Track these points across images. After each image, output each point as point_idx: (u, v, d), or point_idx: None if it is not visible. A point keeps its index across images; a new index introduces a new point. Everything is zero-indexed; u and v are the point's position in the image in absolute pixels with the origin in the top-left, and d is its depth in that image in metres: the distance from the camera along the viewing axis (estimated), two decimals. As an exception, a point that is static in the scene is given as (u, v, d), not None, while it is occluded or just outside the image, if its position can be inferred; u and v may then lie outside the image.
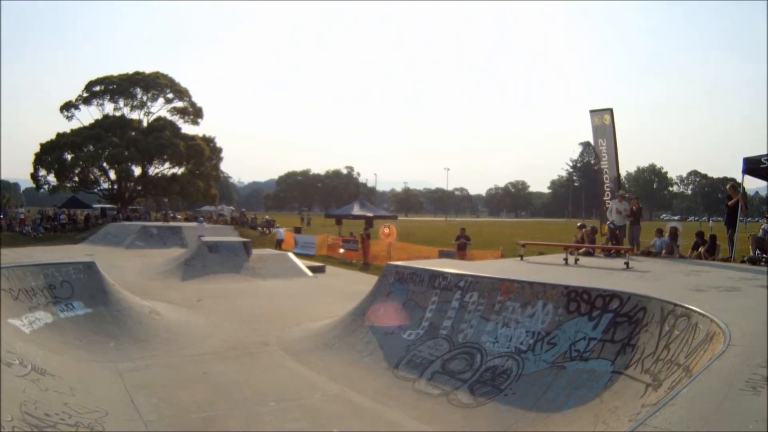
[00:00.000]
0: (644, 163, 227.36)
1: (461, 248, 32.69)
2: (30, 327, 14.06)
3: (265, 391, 12.12)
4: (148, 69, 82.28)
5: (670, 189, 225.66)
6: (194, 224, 53.09)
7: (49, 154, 72.69)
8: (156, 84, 79.86)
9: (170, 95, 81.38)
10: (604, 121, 25.81)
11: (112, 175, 77.21)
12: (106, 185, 79.36)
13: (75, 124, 77.31)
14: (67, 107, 77.89)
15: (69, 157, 73.41)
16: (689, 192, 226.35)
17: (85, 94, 78.36)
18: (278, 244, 49.40)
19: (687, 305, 9.38)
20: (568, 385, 10.13)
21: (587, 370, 10.21)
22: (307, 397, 11.84)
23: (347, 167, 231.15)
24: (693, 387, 5.84)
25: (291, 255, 34.89)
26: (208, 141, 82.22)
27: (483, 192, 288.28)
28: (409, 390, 12.12)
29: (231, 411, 10.88)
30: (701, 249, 20.75)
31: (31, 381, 10.29)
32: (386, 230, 41.57)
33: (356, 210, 59.31)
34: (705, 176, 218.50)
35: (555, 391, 10.21)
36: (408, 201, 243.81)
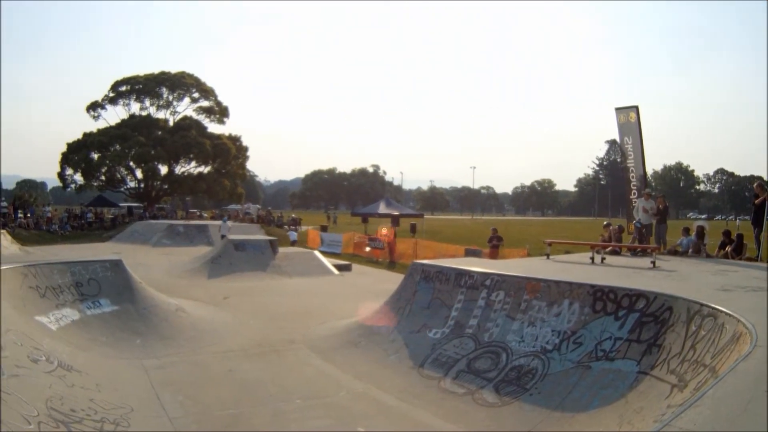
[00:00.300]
0: (671, 161, 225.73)
1: (494, 248, 32.55)
2: (57, 324, 14.19)
3: (291, 389, 12.16)
4: (156, 68, 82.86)
5: (697, 187, 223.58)
6: (219, 223, 53.22)
7: (76, 154, 73.22)
8: (182, 83, 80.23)
9: (196, 95, 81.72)
10: (629, 118, 25.66)
11: (139, 174, 77.73)
12: (132, 184, 79.87)
13: (101, 124, 77.95)
14: (94, 107, 78.40)
15: (96, 156, 73.93)
16: (716, 190, 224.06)
17: (111, 94, 78.88)
18: (292, 245, 49.24)
19: (713, 305, 9.31)
20: (594, 385, 10.09)
21: (613, 370, 10.17)
22: (332, 395, 11.88)
23: (373, 166, 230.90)
24: (719, 388, 5.81)
25: (317, 253, 34.92)
26: (234, 140, 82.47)
27: (509, 190, 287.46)
28: (434, 389, 12.12)
29: (256, 408, 10.92)
30: (728, 248, 20.58)
31: (58, 377, 10.38)
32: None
33: (382, 208, 59.16)
34: (732, 174, 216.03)
35: (580, 391, 10.18)
36: (434, 199, 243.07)
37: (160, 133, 76.60)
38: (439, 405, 11.28)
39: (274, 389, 12.13)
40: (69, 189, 79.30)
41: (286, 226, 63.49)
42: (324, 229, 59.80)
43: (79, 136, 74.94)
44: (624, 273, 16.41)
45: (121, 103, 79.03)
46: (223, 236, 45.88)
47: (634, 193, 25.34)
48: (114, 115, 78.72)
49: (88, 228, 61.00)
